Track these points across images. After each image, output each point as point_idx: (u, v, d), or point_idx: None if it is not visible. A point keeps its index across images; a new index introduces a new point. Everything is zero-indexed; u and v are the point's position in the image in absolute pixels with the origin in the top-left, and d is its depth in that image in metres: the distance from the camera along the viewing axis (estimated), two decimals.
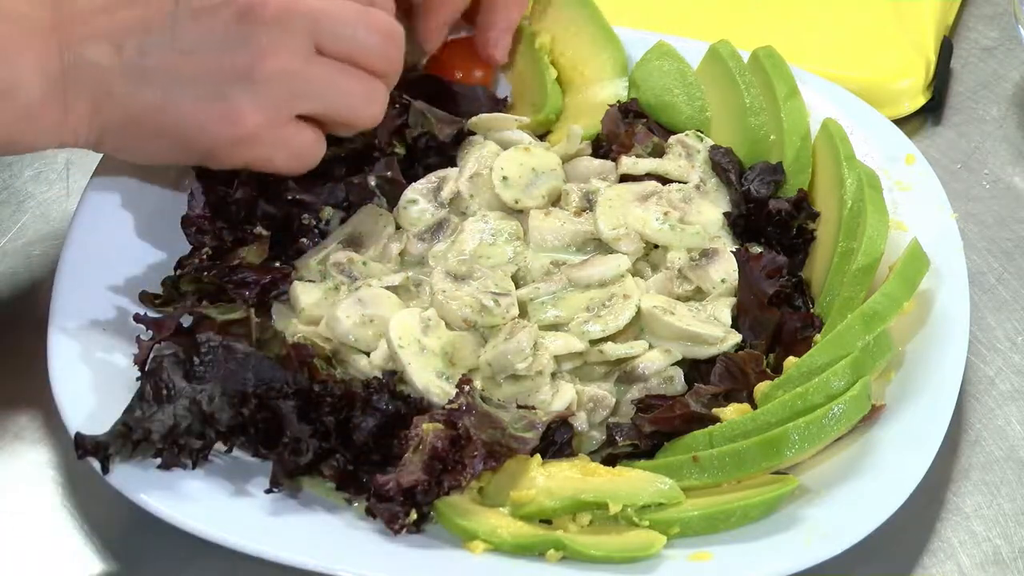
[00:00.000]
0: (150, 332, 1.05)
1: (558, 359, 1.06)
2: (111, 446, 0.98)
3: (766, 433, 0.99)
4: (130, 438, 0.98)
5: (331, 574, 0.95)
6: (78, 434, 0.98)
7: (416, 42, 1.21)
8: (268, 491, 0.99)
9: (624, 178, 1.17)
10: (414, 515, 0.97)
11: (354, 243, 1.14)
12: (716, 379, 1.05)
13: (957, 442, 1.07)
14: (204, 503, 0.98)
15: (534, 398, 1.04)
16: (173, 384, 1.00)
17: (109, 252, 1.12)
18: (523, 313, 1.09)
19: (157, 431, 0.98)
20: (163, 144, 1.05)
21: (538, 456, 1.00)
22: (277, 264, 1.13)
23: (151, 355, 1.03)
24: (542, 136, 1.23)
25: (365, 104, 1.07)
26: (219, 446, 1.01)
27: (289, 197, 1.16)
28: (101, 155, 1.15)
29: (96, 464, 0.98)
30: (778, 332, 1.07)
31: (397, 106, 1.20)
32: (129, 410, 0.99)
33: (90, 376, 1.04)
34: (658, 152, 1.19)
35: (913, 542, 1.02)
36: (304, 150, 1.08)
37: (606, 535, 0.97)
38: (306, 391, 1.01)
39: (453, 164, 1.20)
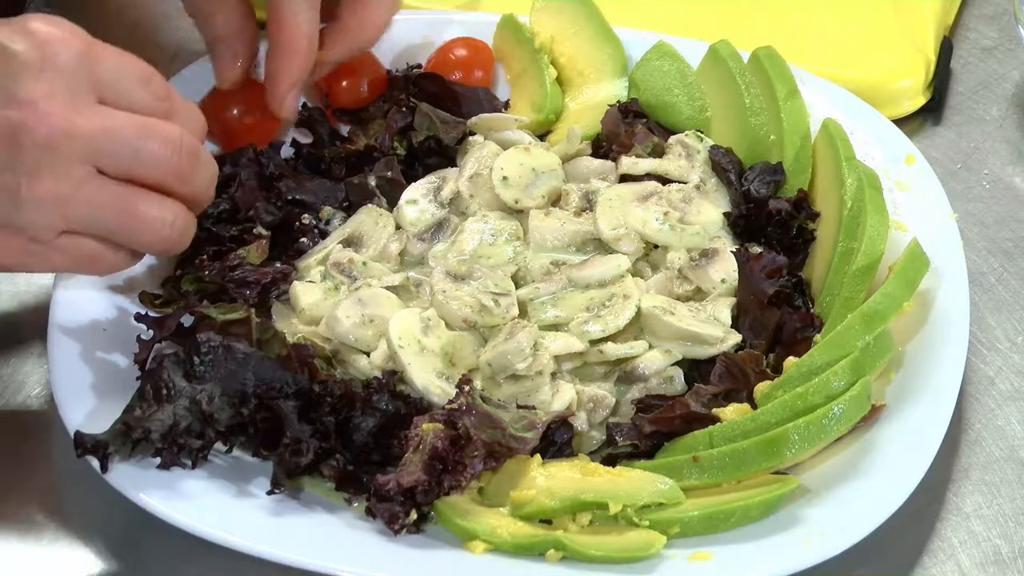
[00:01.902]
0: (150, 332, 1.05)
1: (558, 359, 1.06)
2: (110, 445, 0.98)
3: (766, 433, 0.99)
4: (130, 437, 0.98)
5: (331, 574, 0.95)
6: (78, 432, 0.98)
7: (270, 112, 1.16)
8: (270, 492, 0.99)
9: (624, 178, 1.17)
10: (414, 515, 0.97)
11: (354, 243, 1.14)
12: (716, 379, 1.05)
13: (957, 442, 1.07)
14: (204, 503, 0.98)
15: (534, 398, 1.04)
16: (173, 384, 1.00)
17: None
18: (523, 313, 1.09)
19: (157, 430, 0.98)
20: None
21: (538, 456, 1.00)
22: (277, 264, 1.13)
23: (151, 355, 1.03)
24: (542, 136, 1.23)
25: (155, 227, 0.99)
26: (219, 446, 1.01)
27: (289, 197, 1.16)
28: None
29: (95, 463, 0.98)
30: (778, 332, 1.07)
31: (404, 108, 1.21)
32: (129, 409, 0.99)
33: (90, 376, 1.04)
34: (658, 152, 1.19)
35: (913, 542, 1.02)
36: (93, 258, 0.99)
37: (606, 535, 0.97)
38: (306, 391, 1.01)
39: (453, 164, 1.20)
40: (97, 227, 0.97)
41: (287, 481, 0.99)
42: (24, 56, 0.94)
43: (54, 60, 0.94)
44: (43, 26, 0.95)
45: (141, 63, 0.99)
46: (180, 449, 0.99)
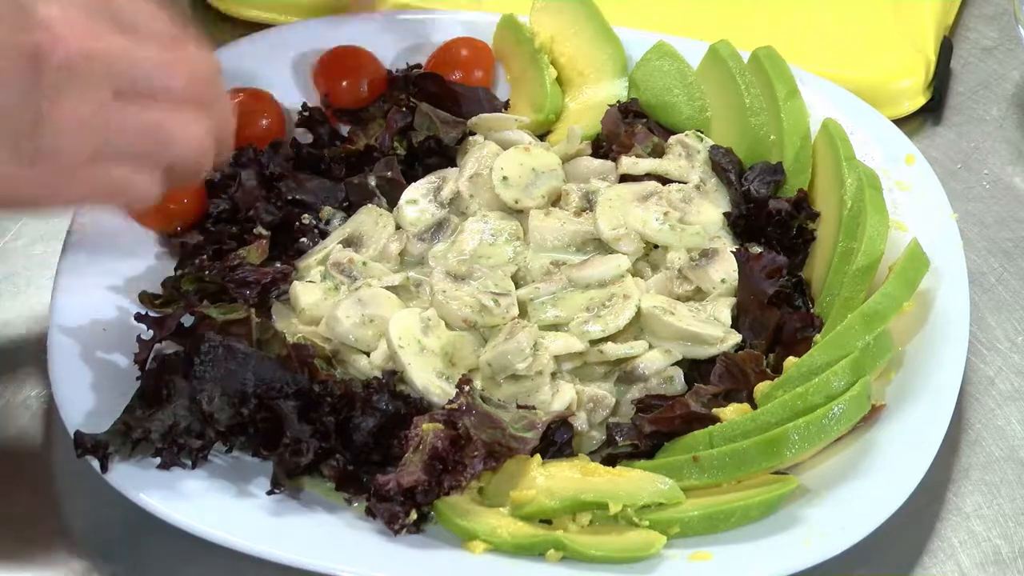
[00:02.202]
0: (150, 332, 1.05)
1: (558, 359, 1.06)
2: (110, 445, 0.98)
3: (766, 433, 0.99)
4: (130, 437, 0.98)
5: (331, 574, 0.95)
6: (78, 432, 0.98)
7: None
8: (270, 492, 0.99)
9: (624, 178, 1.17)
10: (414, 515, 0.97)
11: (354, 243, 1.14)
12: (716, 379, 1.05)
13: (957, 442, 1.07)
14: (204, 503, 0.98)
15: (534, 398, 1.04)
16: (173, 384, 1.00)
17: (109, 252, 1.12)
18: (523, 313, 1.09)
19: (157, 430, 0.98)
20: None
21: (538, 456, 1.00)
22: (277, 264, 1.13)
23: (151, 355, 1.03)
24: (542, 136, 1.23)
25: (186, 135, 0.97)
26: (219, 446, 1.01)
27: (289, 197, 1.16)
28: None
29: (95, 463, 0.98)
30: (778, 332, 1.07)
31: (404, 108, 1.21)
32: (129, 409, 0.99)
33: (90, 376, 1.04)
34: (658, 152, 1.19)
35: (913, 542, 1.02)
36: (120, 185, 0.96)
37: (606, 535, 0.97)
38: (306, 391, 1.01)
39: (453, 164, 1.20)
40: (125, 147, 0.95)
41: (287, 481, 0.99)
42: None
43: None
44: None
45: (152, 3, 0.98)
46: (180, 449, 0.99)
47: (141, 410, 0.99)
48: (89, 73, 0.92)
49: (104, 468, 0.98)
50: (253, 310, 1.06)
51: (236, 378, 1.01)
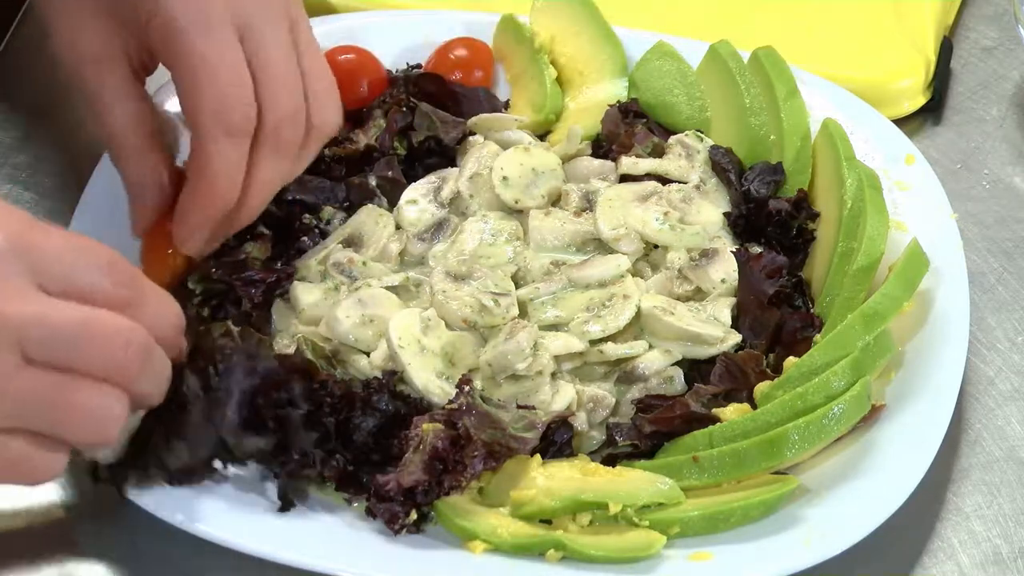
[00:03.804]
0: None
1: (558, 359, 1.06)
2: (127, 474, 0.97)
3: (766, 433, 0.99)
4: (147, 473, 0.98)
5: (331, 574, 0.95)
6: (93, 463, 0.98)
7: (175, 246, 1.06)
8: (282, 509, 0.98)
9: (624, 178, 1.17)
10: (414, 515, 0.97)
11: (354, 243, 1.14)
12: (716, 379, 1.05)
13: (957, 442, 1.07)
14: (204, 504, 0.98)
15: (534, 398, 1.04)
16: (187, 398, 0.97)
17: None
18: (523, 313, 1.09)
19: (173, 464, 0.97)
20: None
21: (538, 456, 1.00)
22: (278, 265, 1.13)
23: None
24: (542, 136, 1.23)
25: (93, 417, 0.88)
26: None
27: (290, 197, 1.16)
28: (101, 156, 1.15)
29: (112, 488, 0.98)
30: (778, 332, 1.07)
31: (404, 108, 1.21)
32: (143, 431, 0.97)
33: None
34: (658, 152, 1.19)
35: (913, 542, 1.02)
36: (19, 461, 0.88)
37: (606, 535, 0.97)
38: (308, 397, 1.00)
39: (453, 164, 1.20)
40: (26, 420, 0.86)
41: (296, 494, 0.99)
42: None
43: None
44: None
45: (98, 247, 0.90)
46: (192, 477, 0.98)
47: (158, 436, 0.97)
48: None
49: (122, 495, 0.98)
50: (238, 328, 1.03)
51: (251, 392, 0.98)
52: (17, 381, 0.85)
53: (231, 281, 1.09)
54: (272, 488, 1.00)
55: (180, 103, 1.02)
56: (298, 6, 1.07)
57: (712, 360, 1.06)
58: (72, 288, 0.87)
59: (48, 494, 1.05)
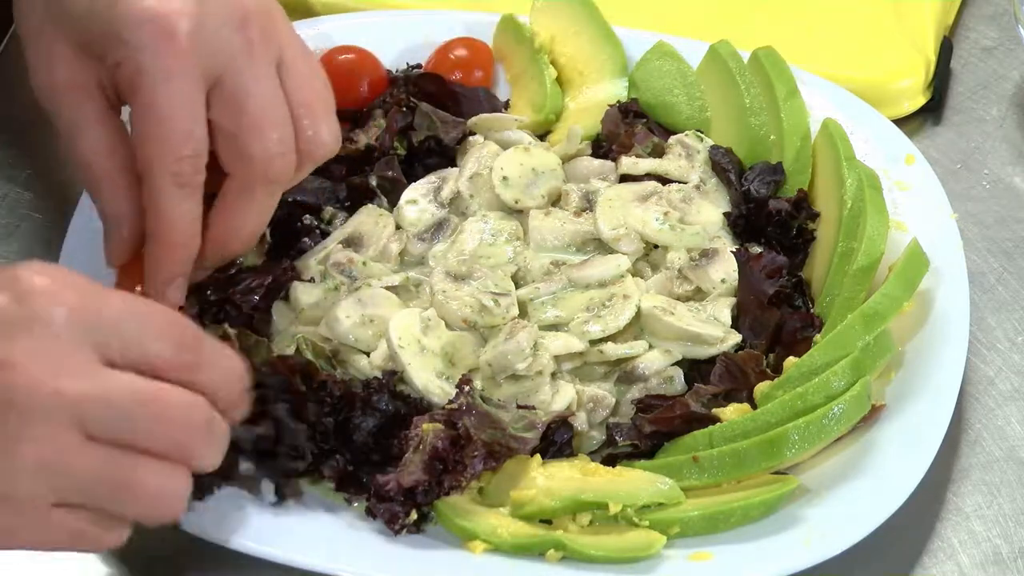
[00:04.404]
0: None
1: (558, 359, 1.06)
2: None
3: (766, 433, 0.99)
4: None
5: (331, 574, 0.95)
6: None
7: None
8: (275, 504, 0.98)
9: (624, 178, 1.17)
10: (414, 515, 0.97)
11: (354, 243, 1.14)
12: (716, 379, 1.05)
13: (957, 442, 1.07)
14: (204, 505, 0.98)
15: (534, 398, 1.04)
16: None
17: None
18: (523, 313, 1.09)
19: None
20: None
21: (538, 456, 1.00)
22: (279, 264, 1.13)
23: None
24: (542, 136, 1.23)
25: (154, 498, 0.87)
26: None
27: (290, 198, 1.16)
28: None
29: None
30: (778, 332, 1.07)
31: (404, 108, 1.21)
32: None
33: None
34: (658, 152, 1.19)
35: (913, 542, 1.02)
36: (82, 535, 0.88)
37: (606, 535, 0.97)
38: (299, 394, 0.99)
39: (453, 164, 1.20)
40: (87, 498, 0.86)
41: (289, 488, 0.99)
42: (7, 312, 0.85)
43: (42, 316, 0.85)
44: (32, 276, 0.86)
45: (160, 311, 0.89)
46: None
47: None
48: (54, 415, 0.84)
49: None
50: (235, 332, 1.03)
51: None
52: (80, 459, 0.85)
53: (228, 297, 1.08)
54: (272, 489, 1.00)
55: (136, 153, 1.00)
56: (288, 31, 1.05)
57: (712, 360, 1.06)
58: (134, 358, 0.86)
59: None
